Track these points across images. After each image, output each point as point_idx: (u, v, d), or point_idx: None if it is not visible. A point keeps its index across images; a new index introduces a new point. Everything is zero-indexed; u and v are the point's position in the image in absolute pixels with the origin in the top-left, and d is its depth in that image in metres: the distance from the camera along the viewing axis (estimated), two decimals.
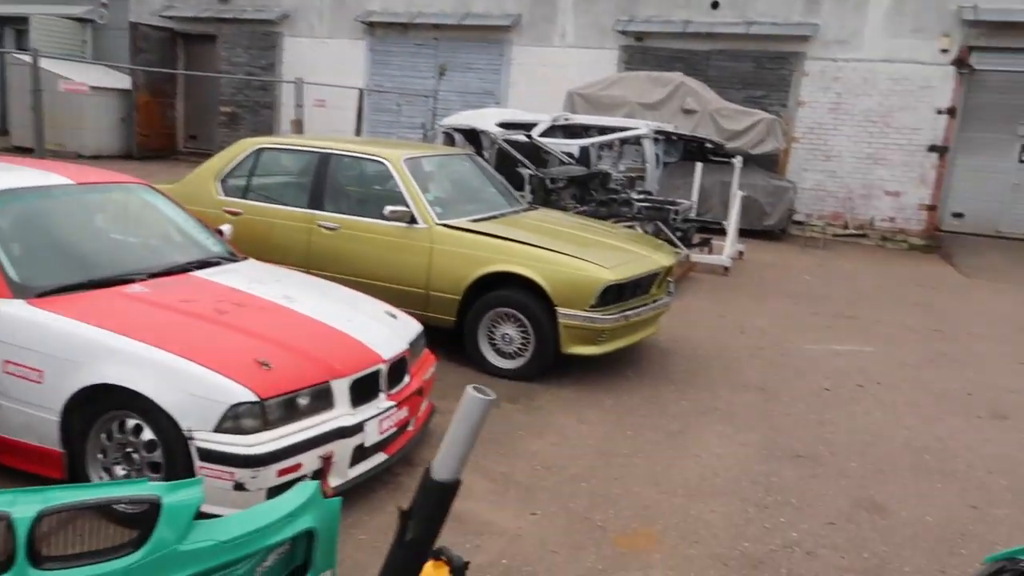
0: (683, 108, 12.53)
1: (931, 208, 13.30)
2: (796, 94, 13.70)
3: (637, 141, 9.66)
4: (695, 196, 11.71)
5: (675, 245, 8.90)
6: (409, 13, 16.19)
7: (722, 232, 9.94)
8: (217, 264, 4.13)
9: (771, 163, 13.27)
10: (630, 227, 8.49)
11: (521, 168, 8.15)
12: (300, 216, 5.63)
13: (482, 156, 9.31)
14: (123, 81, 17.68)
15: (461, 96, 16.19)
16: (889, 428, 4.78)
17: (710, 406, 4.94)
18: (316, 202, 5.62)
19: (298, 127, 17.46)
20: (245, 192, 5.91)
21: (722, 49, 13.97)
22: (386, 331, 3.77)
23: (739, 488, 3.84)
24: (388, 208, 5.15)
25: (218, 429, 2.97)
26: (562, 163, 9.07)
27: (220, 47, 17.18)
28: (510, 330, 5.09)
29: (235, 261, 4.28)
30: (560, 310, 4.88)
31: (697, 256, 9.26)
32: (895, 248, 12.99)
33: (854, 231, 13.52)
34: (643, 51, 14.56)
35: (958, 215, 13.41)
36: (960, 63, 12.77)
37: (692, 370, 5.60)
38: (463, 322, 5.22)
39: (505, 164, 8.68)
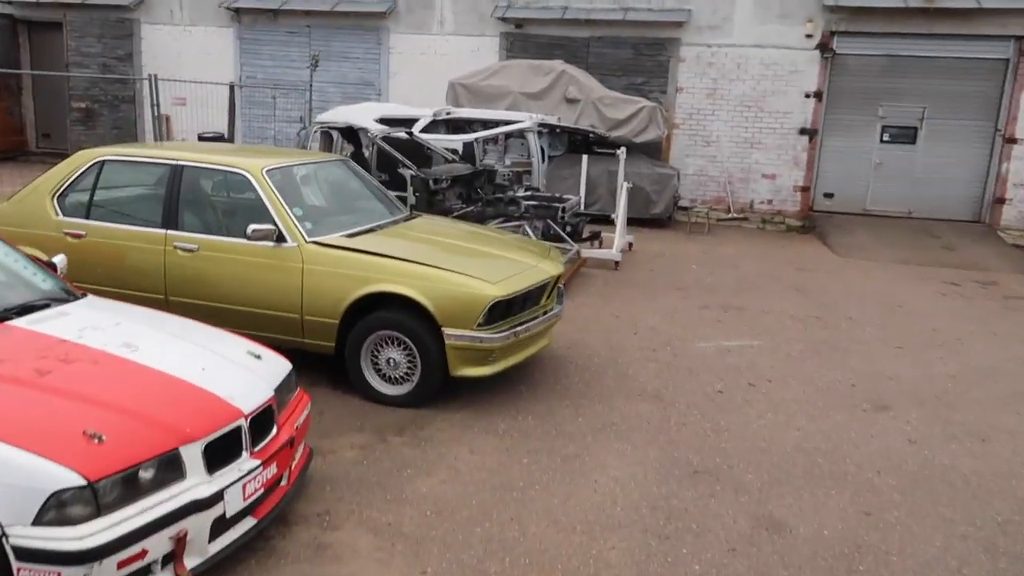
0: (566, 97, 12.42)
1: (805, 189, 13.82)
2: (674, 80, 13.87)
3: (521, 135, 9.44)
4: (583, 187, 11.66)
5: (565, 242, 8.78)
6: None
7: (612, 223, 9.89)
8: (45, 307, 3.57)
9: (654, 150, 13.38)
10: (517, 227, 8.29)
11: (402, 169, 7.76)
12: (153, 237, 5.05)
13: (362, 155, 8.86)
14: None
15: (339, 87, 15.51)
16: (781, 431, 4.77)
17: (606, 421, 4.78)
18: (171, 220, 5.06)
19: (165, 124, 16.31)
20: (88, 211, 5.26)
21: (601, 36, 13.95)
22: (248, 378, 3.35)
23: (639, 517, 3.68)
24: (251, 227, 4.67)
25: (39, 522, 2.50)
26: (446, 160, 8.73)
27: (67, 36, 15.67)
28: (395, 354, 4.75)
29: (69, 301, 3.72)
30: (446, 330, 4.57)
31: (588, 252, 9.16)
32: (774, 230, 13.44)
33: (736, 215, 13.89)
34: (524, 38, 14.35)
35: (829, 195, 14.00)
36: (823, 48, 13.27)
37: (587, 380, 5.43)
38: (344, 347, 4.83)
39: (387, 164, 8.27)
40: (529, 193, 8.47)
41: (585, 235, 9.61)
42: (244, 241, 4.77)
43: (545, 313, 5.15)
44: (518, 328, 4.77)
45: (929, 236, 12.30)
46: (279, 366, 3.63)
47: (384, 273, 4.66)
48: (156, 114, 9.94)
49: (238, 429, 3.09)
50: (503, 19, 14.22)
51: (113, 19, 16.00)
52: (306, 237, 4.82)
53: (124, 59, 16.16)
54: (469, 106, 12.56)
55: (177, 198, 5.06)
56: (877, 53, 13.29)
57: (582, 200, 11.57)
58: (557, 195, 8.55)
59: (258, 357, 3.58)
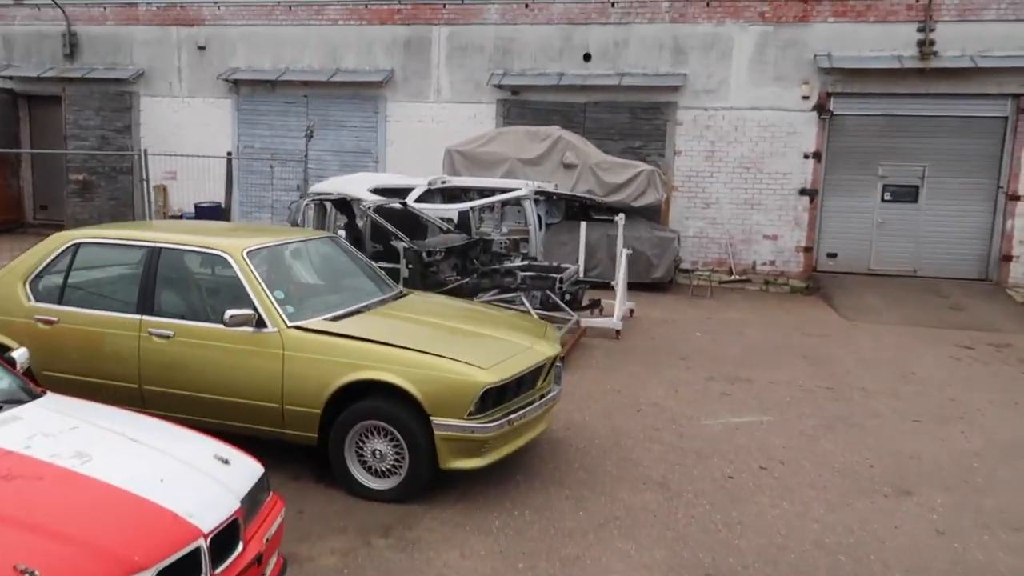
0: (563, 163, 12.35)
1: (807, 250, 13.64)
2: (672, 143, 13.84)
3: (518, 202, 9.29)
4: (581, 253, 11.48)
5: (563, 311, 8.53)
6: (276, 70, 15.46)
7: (612, 289, 9.65)
8: None
9: (653, 213, 13.26)
10: (514, 298, 8.05)
11: (395, 241, 7.56)
12: (126, 323, 4.80)
13: (356, 226, 8.69)
14: None
15: (337, 156, 15.54)
16: (798, 523, 4.42)
17: (609, 514, 4.43)
18: (146, 305, 4.81)
19: (162, 195, 16.30)
20: (61, 296, 5.02)
21: (597, 101, 13.98)
22: (211, 488, 3.04)
23: None
24: (228, 313, 4.42)
25: None
26: (441, 231, 8.56)
27: (66, 109, 15.77)
28: (381, 445, 4.44)
29: (25, 402, 3.44)
30: (435, 420, 4.27)
31: (588, 321, 8.89)
32: (777, 291, 13.19)
33: (738, 277, 13.67)
34: (520, 104, 14.40)
35: (832, 255, 13.81)
36: (821, 109, 13.27)
37: (588, 466, 5.10)
38: (328, 439, 4.52)
39: (381, 235, 8.08)
40: (526, 263, 8.25)
41: (585, 303, 9.37)
42: (222, 327, 4.51)
43: (542, 397, 4.85)
44: (512, 416, 4.47)
45: (936, 296, 12.04)
46: (249, 471, 3.32)
47: (368, 359, 4.38)
48: (145, 188, 9.79)
49: (197, 551, 2.78)
50: (499, 86, 14.29)
51: (112, 92, 16.14)
52: (287, 322, 4.57)
53: (123, 131, 16.25)
54: (466, 173, 12.51)
55: (153, 282, 4.84)
56: (875, 113, 13.28)
57: (581, 267, 11.39)
58: (554, 264, 8.34)
59: (226, 462, 3.28)
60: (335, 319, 4.72)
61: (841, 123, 13.42)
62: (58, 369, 4.95)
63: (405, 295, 5.65)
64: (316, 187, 9.72)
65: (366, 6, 15.11)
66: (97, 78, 16.16)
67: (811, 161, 13.40)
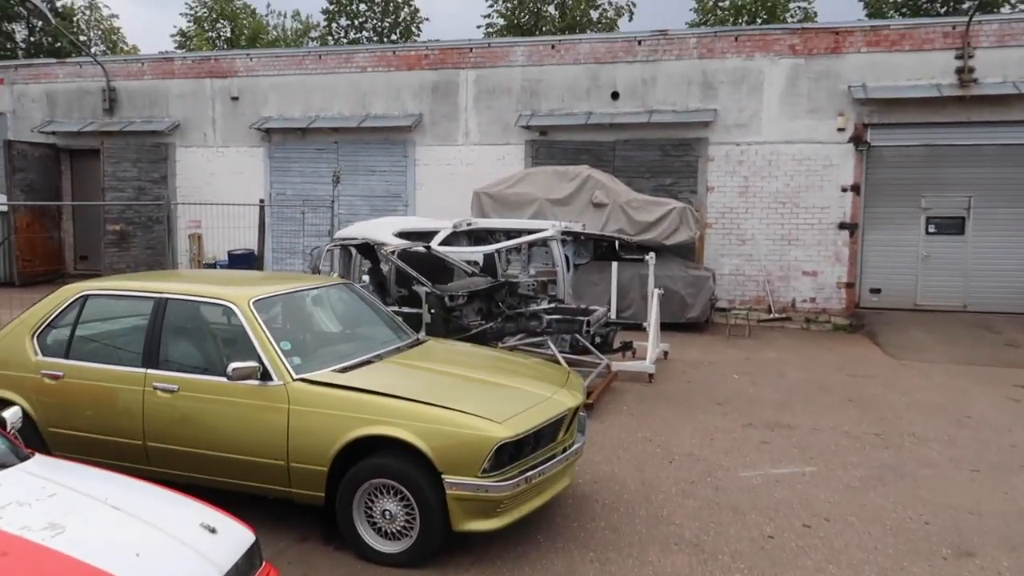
0: (593, 202, 12.14)
1: (849, 285, 13.14)
2: (704, 179, 13.56)
3: (545, 243, 9.07)
4: (613, 294, 11.19)
5: (592, 354, 8.22)
6: (306, 118, 15.64)
7: (645, 331, 9.31)
8: None
9: (687, 252, 12.95)
10: (541, 342, 7.77)
11: (416, 285, 7.38)
12: (131, 377, 4.64)
13: (380, 271, 8.55)
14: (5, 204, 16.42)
15: (367, 200, 15.57)
16: None
17: None
18: (151, 358, 4.66)
19: (197, 243, 16.50)
20: (68, 350, 4.90)
21: (627, 139, 13.81)
22: (193, 563, 2.80)
23: None
24: (232, 366, 4.23)
25: None
26: (467, 274, 8.36)
27: (104, 162, 16.12)
28: (391, 505, 4.16)
29: (10, 465, 3.26)
30: (447, 479, 3.99)
31: (619, 364, 8.56)
32: (819, 329, 12.68)
33: (778, 315, 13.21)
34: (549, 144, 14.29)
35: (876, 291, 13.29)
36: (857, 140, 12.90)
37: (615, 525, 4.74)
38: (336, 497, 4.27)
39: (405, 280, 7.92)
40: (552, 305, 7.98)
41: (616, 346, 9.04)
42: (227, 380, 4.32)
43: (564, 451, 4.54)
44: (531, 472, 4.16)
45: (988, 331, 11.43)
46: (237, 540, 3.07)
47: (376, 413, 4.14)
48: (168, 238, 9.79)
49: None
50: (527, 127, 14.22)
51: (149, 144, 16.48)
52: (293, 374, 4.36)
53: (159, 182, 16.55)
54: (495, 215, 12.38)
55: (159, 334, 4.69)
56: (915, 143, 12.87)
57: (613, 307, 11.09)
58: (582, 306, 8.06)
59: (213, 530, 3.04)
60: (344, 370, 4.50)
61: (879, 155, 13.01)
62: (65, 426, 4.82)
63: (422, 343, 5.43)
64: (341, 233, 9.63)
65: (394, 53, 15.27)
66: (135, 131, 16.54)
67: (849, 194, 12.99)
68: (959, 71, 12.33)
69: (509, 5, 29.33)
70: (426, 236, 9.28)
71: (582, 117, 13.93)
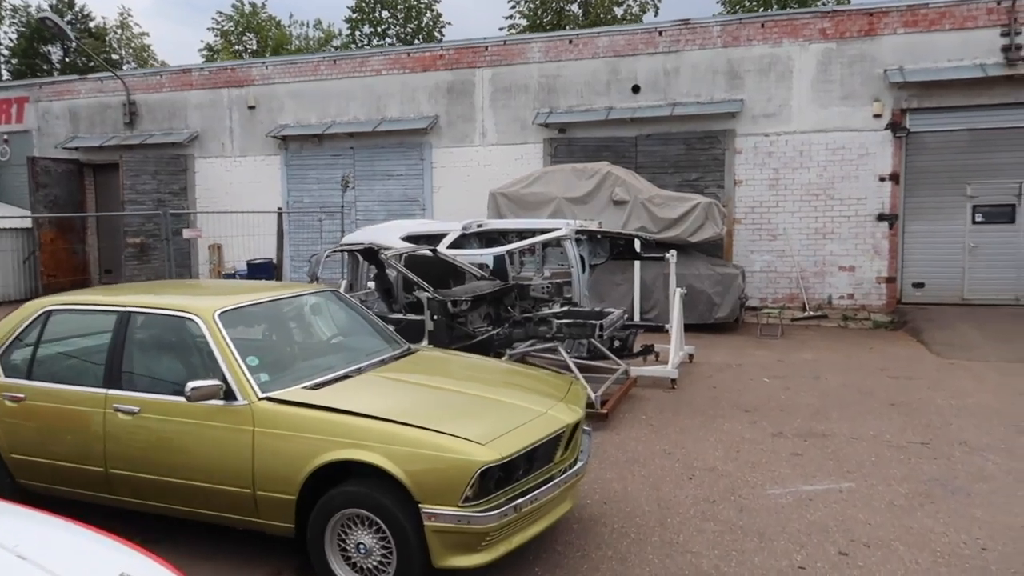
0: (613, 199, 11.61)
1: (890, 280, 12.39)
2: (732, 173, 12.93)
3: (559, 243, 8.58)
4: (636, 294, 10.67)
5: (611, 359, 7.72)
6: (322, 124, 15.38)
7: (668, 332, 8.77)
8: None
9: (715, 249, 12.36)
10: (551, 348, 7.28)
11: (418, 291, 6.95)
12: (92, 398, 4.28)
13: (385, 277, 8.15)
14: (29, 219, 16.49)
15: (384, 205, 15.25)
16: None
17: None
18: (112, 378, 4.29)
19: (217, 253, 16.36)
20: (30, 369, 4.56)
21: (649, 133, 13.25)
22: None
23: None
24: (190, 385, 3.83)
25: None
26: (477, 278, 7.92)
27: (123, 175, 16.06)
28: (366, 538, 3.72)
29: None
30: (424, 508, 3.54)
31: (639, 369, 8.03)
32: (858, 327, 11.96)
33: (813, 313, 12.52)
34: (568, 142, 13.80)
35: (918, 285, 12.52)
36: (895, 127, 12.16)
37: (623, 554, 4.24)
38: (307, 528, 3.84)
39: (413, 286, 7.52)
40: (564, 309, 7.49)
41: (637, 350, 8.52)
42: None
43: (563, 472, 4.05)
44: (521, 500, 3.68)
45: None
46: None
47: (347, 435, 3.70)
48: (169, 248, 9.54)
49: None
50: (545, 125, 13.75)
51: (168, 156, 16.38)
52: (258, 392, 3.94)
53: (178, 193, 16.44)
54: (512, 216, 11.92)
55: (121, 351, 4.32)
56: (958, 128, 12.08)
57: (636, 309, 10.56)
58: (597, 309, 7.54)
59: None
60: (316, 387, 4.07)
61: (919, 141, 12.25)
62: (26, 452, 4.48)
63: (412, 353, 4.99)
64: (347, 238, 9.27)
65: (408, 54, 14.93)
66: (154, 143, 16.45)
67: (888, 184, 12.25)
68: (1006, 49, 11.54)
69: (531, 5, 28.92)
70: (435, 239, 8.86)
71: (602, 113, 13.42)
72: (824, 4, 25.60)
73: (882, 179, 12.24)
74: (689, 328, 11.02)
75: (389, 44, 30.44)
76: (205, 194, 16.46)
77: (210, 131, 16.33)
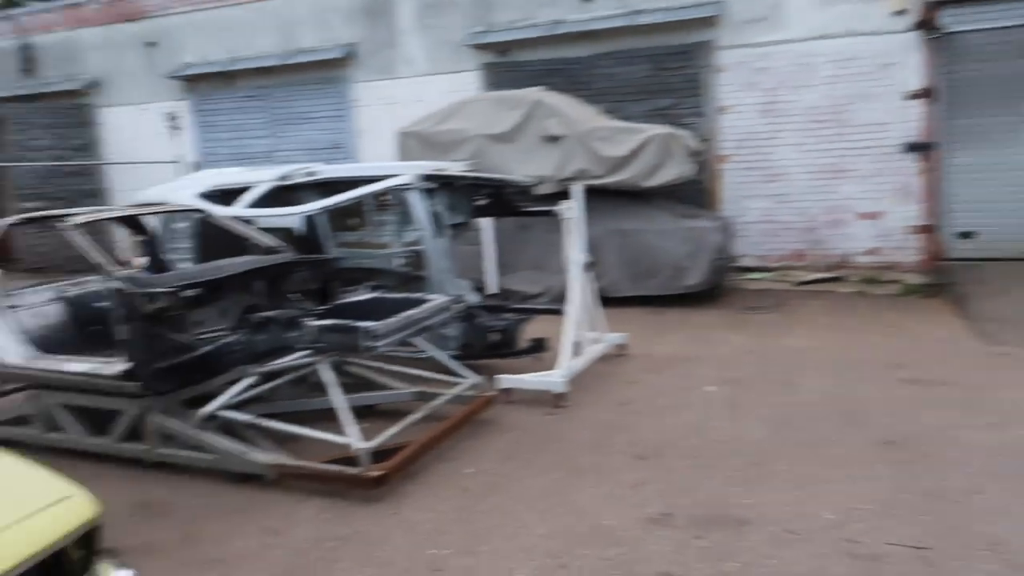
0: (544, 135, 8.81)
1: (926, 229, 9.38)
2: (714, 97, 9.96)
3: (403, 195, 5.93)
4: (492, 260, 8.03)
5: (487, 358, 5.11)
6: (229, 59, 12.82)
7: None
8: None
9: (697, 196, 9.53)
10: (308, 366, 4.66)
11: (102, 277, 4.41)
12: None
13: (156, 255, 5.67)
14: None
15: (311, 154, 12.66)
16: None
17: None
18: None
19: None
20: None
21: (607, 51, 10.33)
22: None
23: None
24: None
25: None
26: (276, 251, 5.35)
27: (10, 130, 13.84)
28: None
29: None
30: None
31: (511, 380, 5.40)
32: (883, 293, 9.06)
33: (825, 275, 9.63)
34: (510, 67, 10.97)
35: (967, 235, 9.48)
36: (926, 26, 8.99)
37: None
38: None
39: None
40: (372, 296, 4.86)
41: (523, 345, 5.92)
42: None
43: None
44: None
45: None
46: None
47: None
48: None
49: None
50: (481, 46, 10.94)
51: (66, 107, 14.07)
52: None
53: (80, 149, 14.15)
54: (426, 159, 9.25)
55: None
56: (1012, 23, 8.81)
57: (492, 283, 7.87)
58: (416, 296, 4.83)
59: None
60: None
61: (959, 44, 9.08)
62: None
63: None
64: (139, 197, 6.77)
65: None
66: (50, 91, 14.14)
67: (918, 103, 9.15)
68: None
69: None
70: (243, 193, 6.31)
71: (547, 27, 10.52)
72: None
73: (910, 97, 9.14)
74: (648, 302, 8.35)
75: None
76: (115, 150, 14.16)
77: (111, 75, 13.94)
